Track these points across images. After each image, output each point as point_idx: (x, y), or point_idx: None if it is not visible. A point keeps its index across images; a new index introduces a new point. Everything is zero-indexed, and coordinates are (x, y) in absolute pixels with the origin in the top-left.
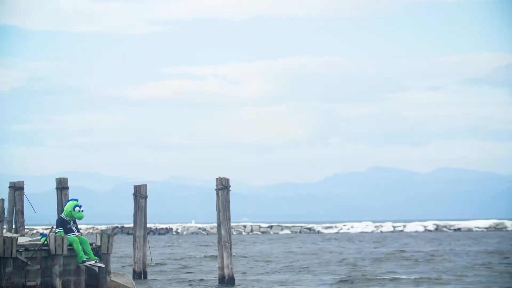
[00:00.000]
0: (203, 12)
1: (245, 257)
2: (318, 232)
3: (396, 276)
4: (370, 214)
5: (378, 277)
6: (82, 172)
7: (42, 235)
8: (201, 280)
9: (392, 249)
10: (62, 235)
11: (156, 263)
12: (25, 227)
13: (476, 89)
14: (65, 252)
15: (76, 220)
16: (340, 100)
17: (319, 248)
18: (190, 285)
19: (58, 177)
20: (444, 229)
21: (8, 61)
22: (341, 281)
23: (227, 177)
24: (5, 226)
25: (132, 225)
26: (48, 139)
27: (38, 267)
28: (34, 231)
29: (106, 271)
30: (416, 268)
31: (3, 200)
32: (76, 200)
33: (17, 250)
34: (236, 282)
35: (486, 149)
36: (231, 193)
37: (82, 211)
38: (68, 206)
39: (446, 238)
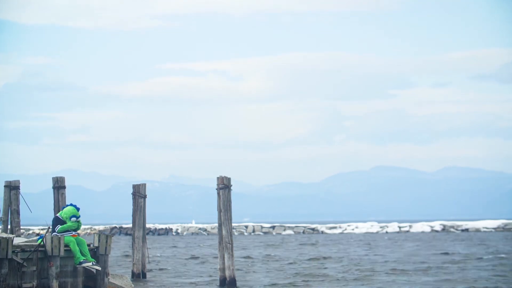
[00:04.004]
0: (203, 7)
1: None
2: (322, 232)
3: None
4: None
5: None
6: (80, 171)
7: (39, 236)
8: (202, 281)
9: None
10: (59, 236)
11: (155, 264)
12: (21, 227)
13: (484, 85)
14: (62, 253)
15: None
16: (344, 97)
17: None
18: (190, 286)
19: (54, 176)
20: (451, 229)
21: (3, 56)
22: None
23: (228, 176)
24: (0, 226)
25: (131, 225)
26: (45, 137)
27: (34, 268)
28: (30, 232)
29: (104, 272)
30: None
31: None
32: (77, 209)
33: (13, 251)
34: (238, 283)
35: (493, 147)
36: (232, 192)
37: (78, 221)
38: (67, 212)
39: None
